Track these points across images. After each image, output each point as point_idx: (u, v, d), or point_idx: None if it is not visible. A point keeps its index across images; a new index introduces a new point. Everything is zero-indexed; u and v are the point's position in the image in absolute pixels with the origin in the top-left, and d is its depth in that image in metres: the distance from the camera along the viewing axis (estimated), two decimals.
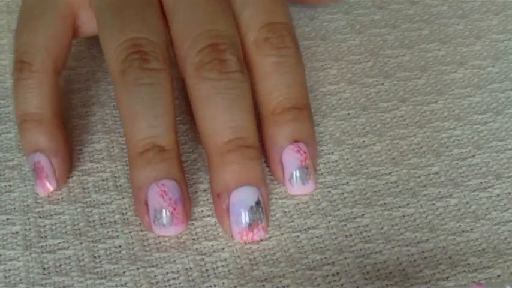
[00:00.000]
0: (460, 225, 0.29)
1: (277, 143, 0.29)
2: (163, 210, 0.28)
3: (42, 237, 0.29)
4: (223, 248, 0.28)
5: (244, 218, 0.28)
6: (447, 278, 0.27)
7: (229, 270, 0.28)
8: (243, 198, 0.28)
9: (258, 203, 0.28)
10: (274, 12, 0.30)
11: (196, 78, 0.28)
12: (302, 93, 0.30)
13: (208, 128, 0.28)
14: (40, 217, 0.30)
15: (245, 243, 0.28)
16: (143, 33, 0.29)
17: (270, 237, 0.29)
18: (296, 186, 0.30)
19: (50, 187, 0.30)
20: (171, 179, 0.28)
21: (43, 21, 0.31)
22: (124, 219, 0.30)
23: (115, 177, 0.31)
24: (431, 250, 0.28)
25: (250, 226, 0.28)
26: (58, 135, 0.31)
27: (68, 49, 0.32)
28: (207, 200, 0.30)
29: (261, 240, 0.29)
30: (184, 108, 0.34)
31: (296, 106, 0.30)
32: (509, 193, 0.30)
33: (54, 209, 0.30)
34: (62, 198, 0.30)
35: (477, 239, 0.28)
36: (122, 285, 0.27)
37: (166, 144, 0.28)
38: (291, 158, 0.29)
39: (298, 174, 0.29)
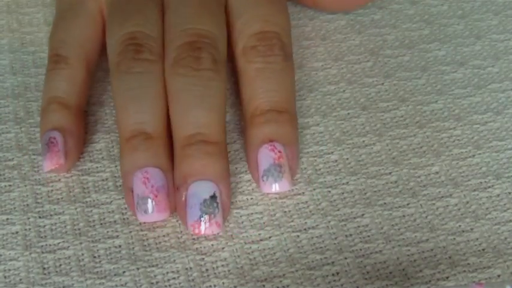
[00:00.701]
0: (460, 225, 0.29)
1: (253, 143, 0.30)
2: (146, 197, 0.28)
3: (42, 237, 0.29)
4: (223, 248, 0.28)
5: (197, 210, 0.28)
6: (447, 278, 0.27)
7: (229, 270, 0.28)
8: (197, 191, 0.28)
9: (213, 197, 0.28)
10: (267, 22, 0.31)
11: (170, 73, 0.30)
12: (284, 98, 0.30)
13: (175, 122, 0.29)
14: (40, 217, 0.30)
15: (197, 236, 0.28)
16: (141, 27, 0.31)
17: (270, 237, 0.29)
18: (268, 183, 0.29)
19: (59, 161, 0.30)
20: (155, 166, 0.28)
21: (77, 22, 0.33)
22: (124, 219, 0.30)
23: (115, 177, 0.31)
24: (431, 250, 0.28)
25: (202, 219, 0.28)
26: (79, 121, 0.32)
27: (98, 51, 0.33)
28: None
29: (261, 240, 0.29)
30: None
31: (275, 109, 0.30)
32: (509, 193, 0.30)
33: (54, 209, 0.30)
34: (62, 198, 0.30)
35: (477, 239, 0.28)
36: (122, 285, 0.27)
37: (153, 131, 0.29)
38: (264, 156, 0.29)
39: (270, 171, 0.29)
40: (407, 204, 0.30)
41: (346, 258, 0.28)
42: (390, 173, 0.31)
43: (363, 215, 0.29)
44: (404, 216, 0.29)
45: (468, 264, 0.28)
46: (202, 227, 0.28)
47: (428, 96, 0.34)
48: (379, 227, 0.29)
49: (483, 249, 0.28)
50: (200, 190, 0.28)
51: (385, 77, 0.35)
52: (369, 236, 0.29)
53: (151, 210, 0.28)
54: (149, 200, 0.28)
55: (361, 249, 0.28)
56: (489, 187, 0.30)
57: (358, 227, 0.29)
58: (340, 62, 0.36)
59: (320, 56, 0.36)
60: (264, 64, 0.30)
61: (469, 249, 0.28)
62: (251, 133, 0.30)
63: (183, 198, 0.28)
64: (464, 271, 0.27)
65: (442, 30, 0.38)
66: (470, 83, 0.35)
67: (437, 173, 0.31)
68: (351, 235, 0.29)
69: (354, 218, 0.29)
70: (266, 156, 0.29)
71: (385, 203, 0.30)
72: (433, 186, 0.30)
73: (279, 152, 0.29)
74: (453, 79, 0.35)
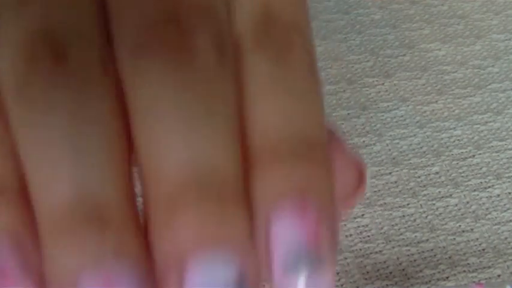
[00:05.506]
0: (460, 225, 0.29)
1: (262, 198, 0.15)
2: None
3: None
4: None
5: None
6: (447, 278, 0.27)
7: None
8: (209, 277, 0.14)
9: (241, 281, 0.14)
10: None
11: (132, 74, 0.14)
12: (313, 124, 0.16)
13: (150, 165, 0.14)
14: None
15: None
16: (54, 12, 0.15)
17: None
18: (291, 278, 0.14)
19: None
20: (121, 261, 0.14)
21: None
22: None
23: None
24: (431, 250, 0.28)
25: None
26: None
27: None
28: None
29: None
30: None
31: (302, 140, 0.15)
32: (509, 193, 0.30)
33: None
34: None
35: (477, 239, 0.28)
36: None
37: (110, 202, 0.14)
38: (283, 231, 0.14)
39: (294, 261, 0.14)
40: (407, 204, 0.30)
41: (346, 258, 0.28)
42: (390, 173, 0.31)
43: (362, 215, 0.29)
44: (404, 216, 0.29)
45: (468, 264, 0.28)
46: None
47: (428, 96, 0.34)
48: (379, 227, 0.29)
49: (483, 249, 0.28)
50: (213, 273, 0.14)
51: (385, 77, 0.35)
52: (368, 236, 0.29)
53: None
54: None
55: (361, 249, 0.28)
56: (489, 187, 0.30)
57: (358, 227, 0.29)
58: (340, 62, 0.36)
59: (320, 56, 0.36)
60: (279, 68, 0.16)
61: (469, 249, 0.28)
62: (257, 180, 0.15)
63: None
64: (464, 271, 0.27)
65: (442, 30, 0.38)
66: (470, 83, 0.35)
67: (437, 173, 0.31)
68: (351, 235, 0.29)
69: (354, 218, 0.29)
70: (287, 232, 0.15)
71: (385, 203, 0.30)
72: (433, 186, 0.30)
73: (312, 222, 0.15)
74: (453, 79, 0.35)
